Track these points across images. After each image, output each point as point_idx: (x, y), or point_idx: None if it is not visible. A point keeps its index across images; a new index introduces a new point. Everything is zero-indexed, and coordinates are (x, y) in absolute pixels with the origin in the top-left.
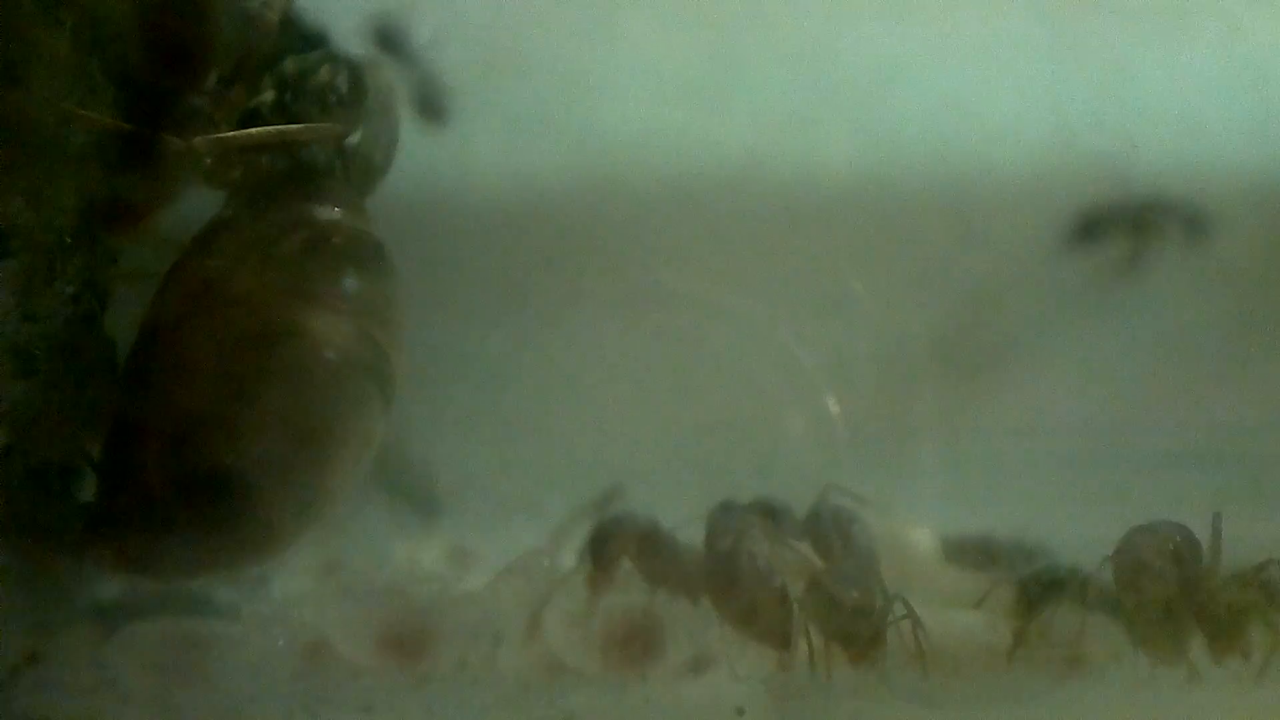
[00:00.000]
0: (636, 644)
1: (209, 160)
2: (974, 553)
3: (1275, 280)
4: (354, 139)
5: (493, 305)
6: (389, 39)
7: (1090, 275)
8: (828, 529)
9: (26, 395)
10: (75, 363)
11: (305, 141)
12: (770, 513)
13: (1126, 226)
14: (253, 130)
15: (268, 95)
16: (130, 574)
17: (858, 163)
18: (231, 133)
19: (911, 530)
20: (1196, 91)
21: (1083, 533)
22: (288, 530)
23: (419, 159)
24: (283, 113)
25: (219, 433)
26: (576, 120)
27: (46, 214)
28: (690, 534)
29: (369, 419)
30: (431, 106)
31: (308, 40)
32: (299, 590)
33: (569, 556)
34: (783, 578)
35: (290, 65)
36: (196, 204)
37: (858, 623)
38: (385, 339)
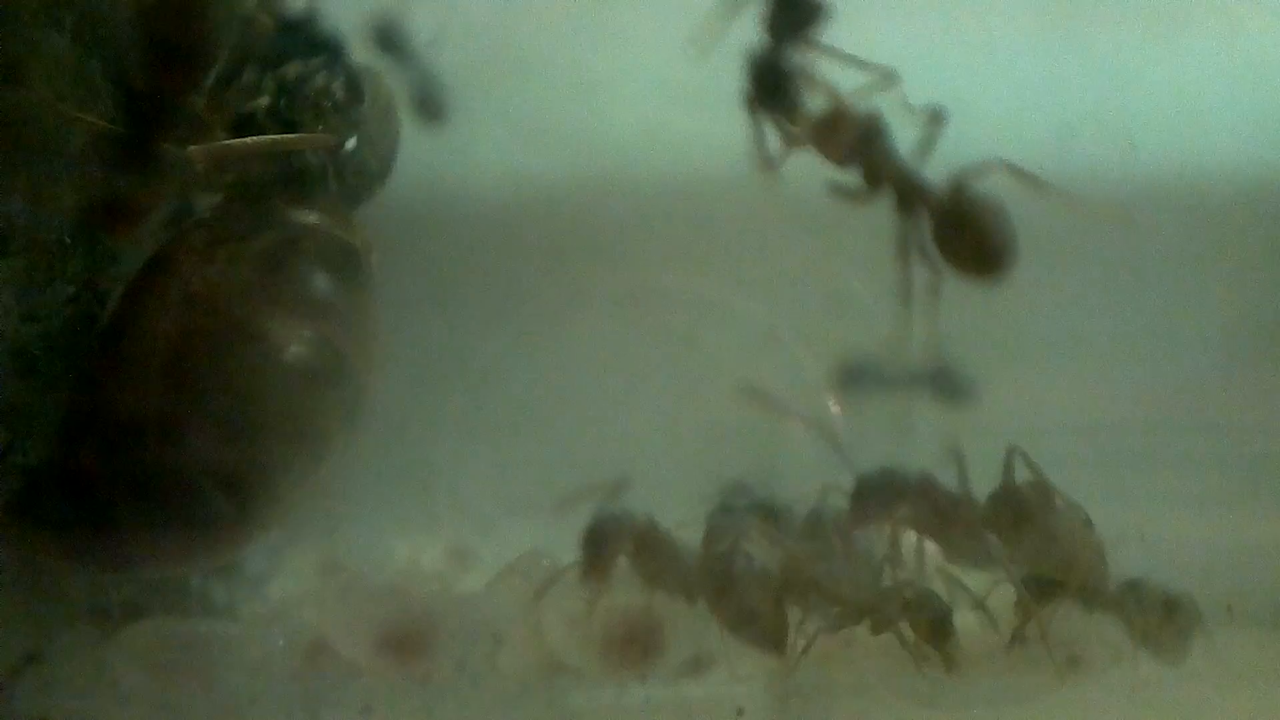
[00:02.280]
0: (636, 644)
1: (202, 166)
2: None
3: (1275, 280)
4: (350, 145)
5: (493, 305)
6: (389, 39)
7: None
8: (828, 529)
9: (26, 395)
10: (75, 363)
11: (299, 149)
12: (770, 513)
13: None
14: (248, 140)
15: (263, 100)
16: (69, 564)
17: None
18: (226, 142)
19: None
20: (1196, 91)
21: None
22: (231, 532)
23: (419, 159)
24: (277, 118)
25: (163, 430)
26: (576, 120)
27: (46, 214)
28: (690, 534)
29: (325, 425)
30: (431, 106)
31: (322, 47)
32: (299, 590)
33: (568, 550)
34: (778, 581)
35: (287, 70)
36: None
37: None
38: (350, 348)
